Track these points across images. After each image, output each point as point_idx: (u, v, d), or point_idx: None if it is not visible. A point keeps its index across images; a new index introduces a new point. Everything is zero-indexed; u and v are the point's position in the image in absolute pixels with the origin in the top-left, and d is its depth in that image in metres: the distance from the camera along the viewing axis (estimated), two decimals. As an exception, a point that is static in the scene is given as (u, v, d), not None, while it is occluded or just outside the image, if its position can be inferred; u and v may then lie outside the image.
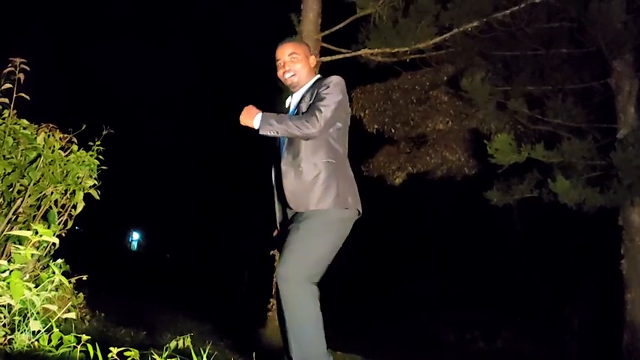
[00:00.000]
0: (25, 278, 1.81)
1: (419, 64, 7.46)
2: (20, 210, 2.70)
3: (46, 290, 1.87)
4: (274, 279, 4.90)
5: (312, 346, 2.03)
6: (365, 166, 8.44)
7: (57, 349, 1.81)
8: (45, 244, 2.56)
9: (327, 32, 5.78)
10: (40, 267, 2.77)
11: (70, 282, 2.94)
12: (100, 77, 19.78)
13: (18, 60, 2.57)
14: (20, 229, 2.70)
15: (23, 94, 2.61)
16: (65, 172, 2.84)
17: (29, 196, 2.71)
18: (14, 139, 2.69)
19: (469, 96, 6.73)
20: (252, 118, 2.18)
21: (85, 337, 1.81)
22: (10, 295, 1.70)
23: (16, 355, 1.72)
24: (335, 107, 2.17)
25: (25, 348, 1.80)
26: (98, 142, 2.97)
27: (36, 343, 1.83)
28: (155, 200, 21.58)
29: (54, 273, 1.90)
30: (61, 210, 2.87)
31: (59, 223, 2.86)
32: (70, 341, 1.83)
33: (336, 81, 2.23)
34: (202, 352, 2.33)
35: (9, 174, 2.65)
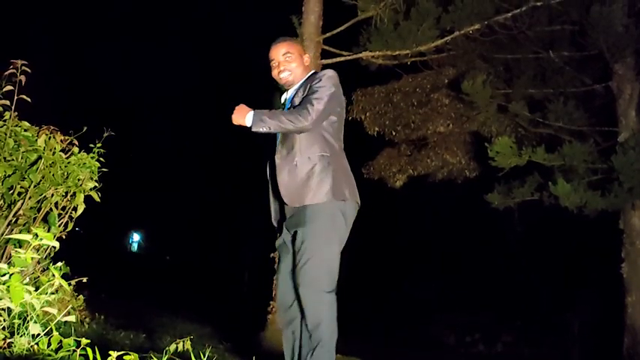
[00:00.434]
0: (25, 281, 1.80)
1: (420, 66, 7.47)
2: (20, 212, 2.69)
3: (46, 294, 1.86)
4: (274, 282, 4.90)
5: (327, 353, 2.04)
6: (365, 169, 8.43)
7: (56, 353, 1.80)
8: (45, 247, 2.56)
9: (328, 34, 5.77)
10: (40, 269, 2.76)
11: (69, 284, 2.93)
12: (100, 77, 19.79)
13: (19, 62, 2.57)
14: (20, 231, 2.70)
15: (24, 96, 2.60)
16: (66, 174, 2.83)
17: (30, 198, 2.70)
18: (15, 141, 2.68)
19: (470, 99, 6.73)
20: (243, 116, 2.18)
21: (84, 341, 1.80)
22: (10, 299, 1.70)
23: (16, 358, 1.71)
24: (328, 100, 2.16)
25: (25, 351, 1.79)
26: (99, 145, 2.97)
27: (35, 346, 1.83)
28: (155, 201, 21.57)
29: (54, 276, 1.89)
30: (61, 212, 2.86)
31: (59, 225, 2.85)
32: (69, 345, 1.83)
33: (329, 74, 2.23)
34: (202, 355, 2.32)
35: (9, 176, 2.65)
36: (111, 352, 1.73)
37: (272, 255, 5.20)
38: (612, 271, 6.93)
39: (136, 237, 26.35)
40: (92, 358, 1.73)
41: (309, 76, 2.34)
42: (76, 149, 2.91)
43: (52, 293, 1.91)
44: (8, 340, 1.82)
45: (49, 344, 1.82)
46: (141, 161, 19.36)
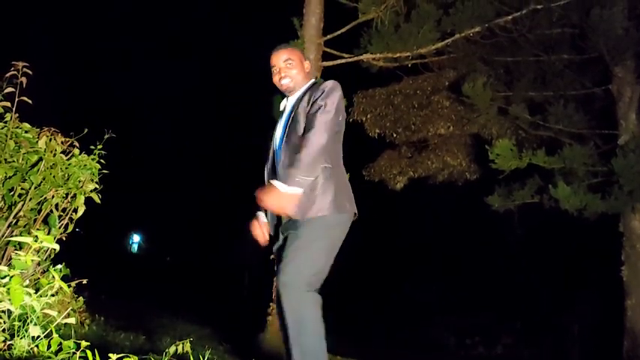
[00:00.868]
0: (25, 284, 1.80)
1: (420, 69, 7.47)
2: (21, 213, 2.70)
3: (46, 296, 1.86)
4: (274, 284, 4.89)
5: (315, 353, 2.03)
6: (366, 171, 8.43)
7: (56, 355, 1.81)
8: (45, 249, 2.56)
9: (329, 37, 5.78)
10: (40, 271, 2.76)
11: (69, 286, 2.93)
12: (100, 77, 19.81)
13: (20, 64, 2.57)
14: (21, 232, 2.70)
15: (25, 98, 2.61)
16: (66, 175, 2.84)
17: (30, 199, 2.70)
18: (16, 143, 2.68)
19: (470, 101, 6.73)
20: (280, 196, 2.08)
21: (84, 344, 1.81)
22: (10, 301, 1.70)
23: (16, 360, 1.72)
24: (335, 112, 2.17)
25: (25, 354, 1.79)
26: (100, 146, 2.97)
27: (35, 348, 1.83)
28: (155, 201, 21.58)
29: (54, 278, 1.90)
30: (61, 214, 2.86)
31: (60, 227, 2.85)
32: (69, 347, 1.83)
33: (333, 86, 2.23)
34: (201, 357, 2.32)
35: (10, 177, 2.65)
36: (111, 355, 1.73)
37: (272, 257, 5.20)
38: (612, 273, 6.92)
39: (136, 238, 26.35)
40: (92, 360, 1.74)
41: (311, 86, 2.35)
42: (76, 151, 2.91)
43: (52, 295, 1.92)
44: (8, 342, 1.82)
45: (49, 346, 1.82)
46: (141, 161, 19.37)
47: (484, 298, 12.53)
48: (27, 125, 2.74)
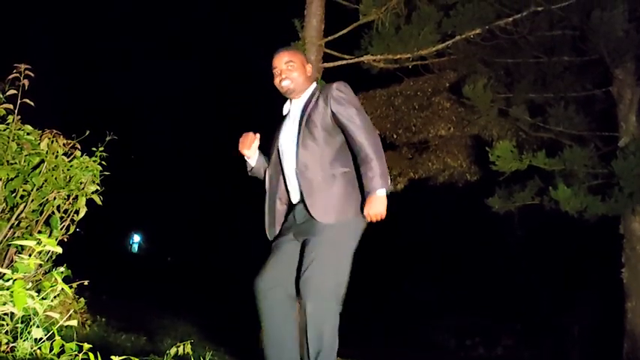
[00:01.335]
0: (27, 286, 1.81)
1: (421, 70, 7.46)
2: (23, 215, 2.71)
3: (49, 298, 1.87)
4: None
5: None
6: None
7: (59, 357, 1.82)
8: (47, 251, 2.57)
9: (330, 38, 5.79)
10: (42, 272, 2.77)
11: (71, 287, 2.94)
12: (100, 78, 19.81)
13: (23, 66, 2.58)
14: (23, 234, 2.71)
15: (27, 100, 2.62)
16: (68, 177, 2.85)
17: (32, 201, 2.71)
18: (18, 145, 2.69)
19: (471, 103, 6.73)
20: (379, 201, 2.09)
21: (86, 346, 1.81)
22: (13, 304, 1.71)
23: (18, 363, 1.73)
24: (361, 108, 2.25)
25: (28, 356, 1.80)
26: (101, 148, 2.98)
27: (38, 350, 1.84)
28: (155, 201, 21.58)
29: (56, 281, 1.90)
30: (63, 215, 2.87)
31: (61, 229, 2.86)
32: (71, 349, 1.84)
33: (346, 87, 2.26)
34: (202, 358, 2.33)
35: (12, 179, 2.66)
36: (112, 357, 1.74)
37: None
38: (612, 274, 6.93)
39: (136, 238, 26.36)
40: (94, 362, 1.74)
41: (317, 88, 2.35)
42: (78, 153, 2.92)
43: (55, 297, 1.93)
44: (11, 345, 1.83)
45: (52, 348, 1.83)
46: (141, 162, 19.38)
47: (484, 299, 12.54)
48: (29, 127, 2.76)
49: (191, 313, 7.39)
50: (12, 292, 1.71)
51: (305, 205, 2.16)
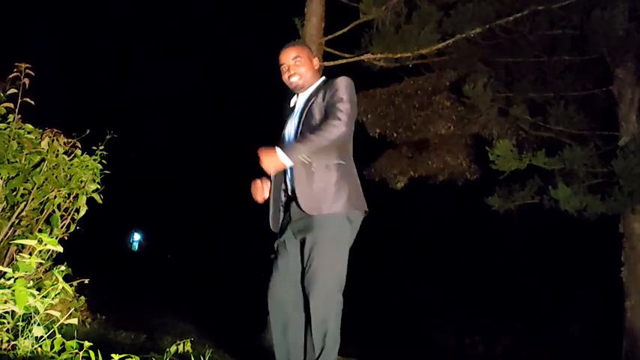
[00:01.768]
0: (28, 285, 1.82)
1: (421, 69, 7.47)
2: (24, 214, 2.71)
3: (49, 297, 1.88)
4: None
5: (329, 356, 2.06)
6: (367, 170, 8.43)
7: (59, 355, 1.83)
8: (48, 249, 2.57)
9: (330, 37, 5.79)
10: (43, 270, 2.78)
11: (71, 285, 2.94)
12: (100, 77, 19.81)
13: (23, 65, 2.58)
14: (23, 232, 2.72)
15: (28, 99, 2.62)
16: (69, 176, 2.85)
17: (33, 199, 2.72)
18: (18, 144, 2.70)
19: (471, 102, 6.74)
20: (275, 158, 2.11)
21: (87, 344, 1.82)
22: (15, 302, 1.71)
23: (20, 361, 1.73)
24: (353, 104, 2.21)
25: (29, 354, 1.81)
26: (102, 147, 2.99)
27: (39, 349, 1.85)
28: (155, 200, 21.59)
29: (57, 279, 1.91)
30: (64, 214, 2.88)
31: (62, 227, 2.87)
32: (72, 347, 1.84)
33: (346, 82, 2.26)
34: (202, 357, 2.34)
35: (13, 178, 2.67)
36: (113, 355, 1.75)
37: (272, 256, 5.20)
38: (612, 272, 6.93)
39: (136, 236, 26.39)
40: (94, 360, 1.75)
41: (323, 82, 2.36)
42: (78, 151, 2.93)
43: (55, 295, 1.93)
44: (12, 343, 1.84)
45: (52, 346, 1.84)
46: (141, 161, 19.38)
47: (484, 298, 12.54)
48: (30, 126, 2.76)
49: (191, 312, 7.39)
50: (13, 290, 1.72)
51: (295, 196, 2.18)
